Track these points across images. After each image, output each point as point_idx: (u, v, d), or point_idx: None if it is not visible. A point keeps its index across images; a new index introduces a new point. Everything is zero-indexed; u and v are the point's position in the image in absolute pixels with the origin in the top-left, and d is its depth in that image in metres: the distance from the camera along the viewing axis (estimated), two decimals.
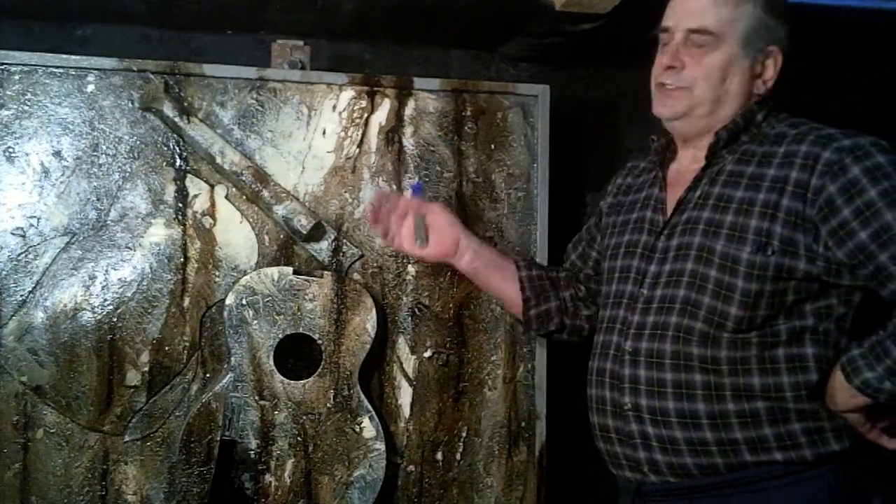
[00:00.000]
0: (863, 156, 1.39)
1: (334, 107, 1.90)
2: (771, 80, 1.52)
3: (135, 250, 1.82)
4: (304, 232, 1.85)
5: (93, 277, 1.80)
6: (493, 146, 1.97)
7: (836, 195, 1.38)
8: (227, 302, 1.80)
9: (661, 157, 1.62)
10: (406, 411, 1.91)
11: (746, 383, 1.42)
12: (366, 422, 1.84)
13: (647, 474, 1.48)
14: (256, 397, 1.80)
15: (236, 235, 1.86)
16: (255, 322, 1.80)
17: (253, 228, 1.86)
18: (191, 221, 1.84)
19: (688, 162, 1.58)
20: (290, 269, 1.84)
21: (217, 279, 1.84)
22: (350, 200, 1.90)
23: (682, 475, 1.45)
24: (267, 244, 1.87)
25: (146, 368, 1.81)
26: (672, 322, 1.46)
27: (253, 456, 1.80)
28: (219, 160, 1.83)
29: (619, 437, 1.50)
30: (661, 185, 1.59)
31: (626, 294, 1.55)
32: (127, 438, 1.80)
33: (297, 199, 1.87)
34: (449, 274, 1.93)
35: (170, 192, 1.83)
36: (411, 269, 1.92)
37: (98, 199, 1.81)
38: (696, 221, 1.49)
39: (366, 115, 1.92)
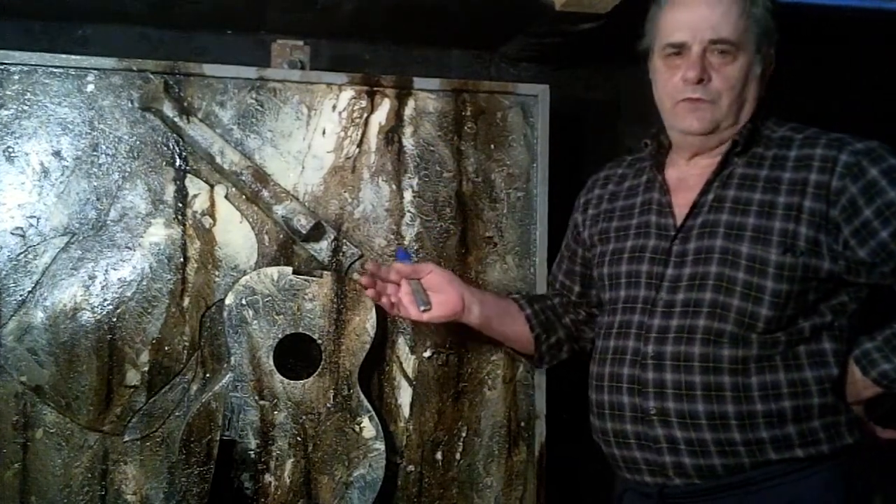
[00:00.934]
0: (878, 158, 1.43)
1: (334, 107, 1.90)
2: (767, 80, 1.54)
3: (134, 250, 1.82)
4: (304, 232, 1.84)
5: (92, 277, 1.80)
6: (492, 146, 1.97)
7: (858, 196, 1.42)
8: (227, 302, 1.80)
9: (655, 161, 1.62)
10: (406, 411, 1.91)
11: (773, 381, 1.44)
12: (365, 421, 1.84)
13: (672, 478, 1.49)
14: (256, 397, 1.80)
15: (236, 235, 1.86)
16: (255, 322, 1.80)
17: (253, 228, 1.86)
18: (190, 221, 1.84)
19: (688, 166, 1.58)
20: (289, 269, 1.83)
21: (217, 279, 1.84)
22: (350, 200, 1.90)
23: (708, 476, 1.47)
24: (266, 244, 1.87)
25: (146, 368, 1.81)
26: (700, 325, 1.47)
27: (253, 456, 1.80)
28: (218, 160, 1.83)
29: (639, 441, 1.50)
30: (664, 188, 1.59)
31: (640, 298, 1.55)
32: (127, 438, 1.80)
33: (297, 199, 1.87)
34: None
35: (169, 191, 1.83)
36: None
37: (98, 199, 1.81)
38: (715, 224, 1.50)
39: (365, 114, 1.92)
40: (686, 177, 1.58)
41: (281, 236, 1.87)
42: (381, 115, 1.92)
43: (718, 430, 1.44)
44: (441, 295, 1.69)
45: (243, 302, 1.80)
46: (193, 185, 1.84)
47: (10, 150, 1.78)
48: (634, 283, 1.57)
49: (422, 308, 1.66)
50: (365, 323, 1.85)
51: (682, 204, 1.56)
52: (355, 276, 1.67)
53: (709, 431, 1.44)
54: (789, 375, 1.44)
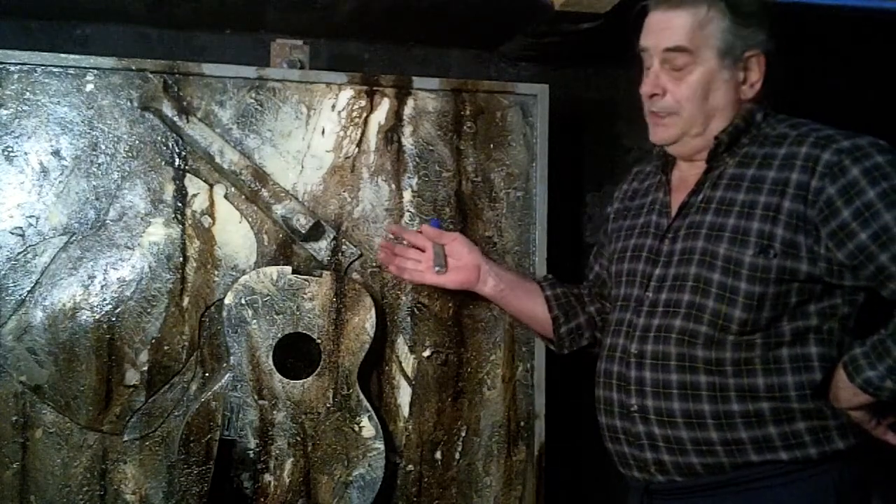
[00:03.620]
0: (862, 157, 1.40)
1: (333, 106, 1.90)
2: (757, 83, 1.51)
3: (134, 250, 1.82)
4: (303, 231, 1.84)
5: (92, 277, 1.80)
6: (492, 146, 1.97)
7: (836, 197, 1.39)
8: (227, 301, 1.80)
9: (664, 161, 1.63)
10: (405, 411, 1.91)
11: (751, 384, 1.43)
12: (365, 421, 1.84)
13: (655, 474, 1.50)
14: (255, 397, 1.80)
15: (235, 235, 1.86)
16: (255, 321, 1.80)
17: (252, 228, 1.86)
18: (190, 221, 1.84)
19: (687, 166, 1.59)
20: (289, 269, 1.83)
21: (216, 278, 1.84)
22: (349, 200, 1.90)
23: (688, 474, 1.47)
24: (266, 243, 1.87)
25: (145, 368, 1.81)
26: (676, 325, 1.48)
27: (252, 455, 1.80)
28: (218, 159, 1.83)
29: (626, 437, 1.52)
30: (666, 189, 1.60)
31: (633, 297, 1.57)
32: (126, 438, 1.80)
33: (296, 199, 1.87)
34: None
35: (169, 191, 1.83)
36: None
37: (97, 199, 1.81)
38: (700, 226, 1.50)
39: (365, 114, 1.92)
40: (686, 177, 1.59)
41: (280, 236, 1.87)
42: (380, 114, 1.92)
43: (695, 429, 1.45)
44: (459, 262, 1.79)
45: (243, 301, 1.80)
46: (193, 185, 1.84)
47: (10, 149, 1.78)
48: (630, 282, 1.60)
49: (436, 269, 1.78)
50: (364, 322, 1.84)
51: (678, 204, 1.57)
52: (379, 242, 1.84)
53: (685, 430, 1.46)
54: (768, 379, 1.44)
